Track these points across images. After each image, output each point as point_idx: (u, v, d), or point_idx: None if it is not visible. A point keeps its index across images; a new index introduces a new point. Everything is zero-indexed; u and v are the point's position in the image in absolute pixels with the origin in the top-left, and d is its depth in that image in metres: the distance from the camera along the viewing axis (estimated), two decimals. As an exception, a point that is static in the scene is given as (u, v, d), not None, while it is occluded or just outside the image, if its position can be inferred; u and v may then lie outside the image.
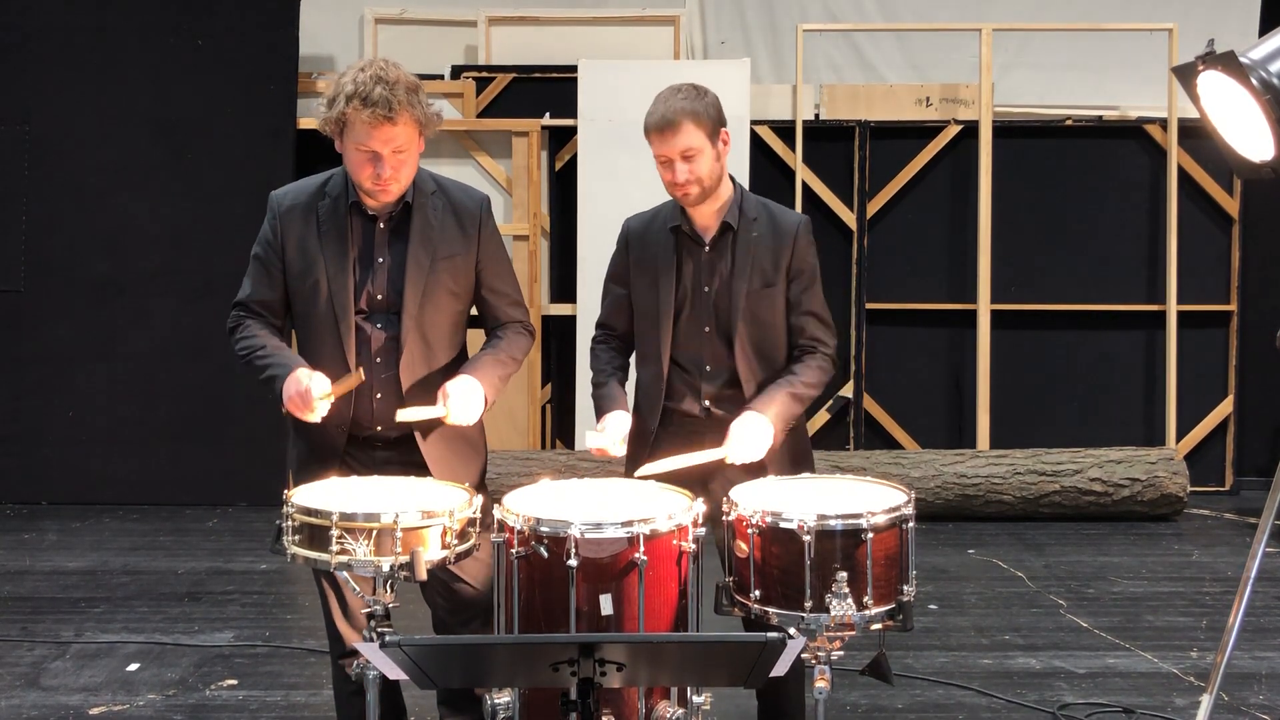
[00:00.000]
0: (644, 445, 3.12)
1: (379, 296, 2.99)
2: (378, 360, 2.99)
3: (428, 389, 3.00)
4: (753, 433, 2.93)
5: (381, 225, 3.01)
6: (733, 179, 3.14)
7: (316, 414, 2.85)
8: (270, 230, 3.05)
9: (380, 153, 2.85)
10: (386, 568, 2.57)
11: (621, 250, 3.22)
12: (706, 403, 3.10)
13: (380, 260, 3.00)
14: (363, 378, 2.91)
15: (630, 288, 3.19)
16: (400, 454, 3.02)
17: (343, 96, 2.83)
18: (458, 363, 3.09)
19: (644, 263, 3.15)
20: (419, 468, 3.00)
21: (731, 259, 3.07)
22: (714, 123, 3.01)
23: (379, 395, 3.00)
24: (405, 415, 2.93)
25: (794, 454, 3.14)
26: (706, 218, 3.10)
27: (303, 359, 2.98)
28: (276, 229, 3.04)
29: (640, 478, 2.92)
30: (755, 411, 2.97)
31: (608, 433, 2.99)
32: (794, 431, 3.14)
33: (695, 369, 3.11)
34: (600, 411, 3.12)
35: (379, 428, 3.01)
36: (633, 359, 3.26)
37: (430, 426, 2.99)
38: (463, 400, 2.91)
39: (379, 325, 3.00)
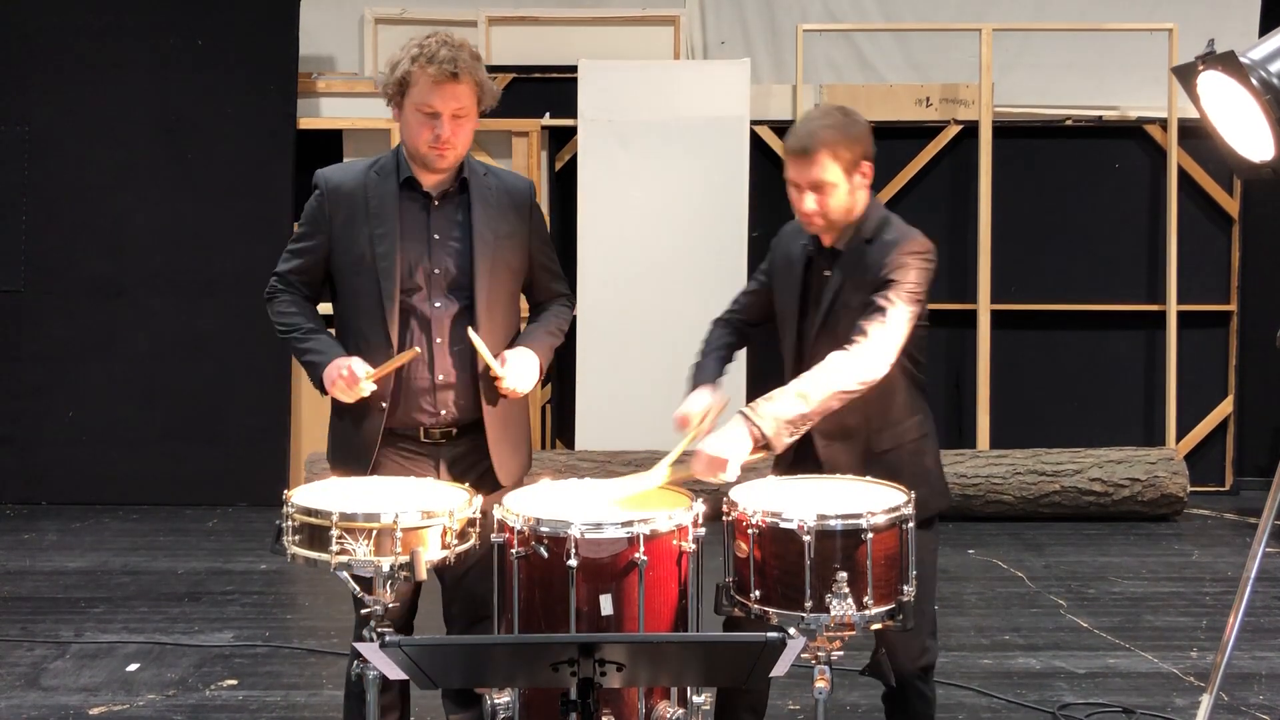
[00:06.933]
0: (781, 458, 3.02)
1: (436, 272, 2.97)
2: (437, 340, 2.97)
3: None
4: (716, 445, 2.72)
5: (437, 203, 3.01)
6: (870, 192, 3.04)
7: (360, 392, 2.86)
8: (318, 205, 3.03)
9: (441, 112, 2.89)
10: (386, 568, 2.57)
11: (771, 251, 3.21)
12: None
13: (436, 237, 2.99)
14: (419, 351, 2.91)
15: (772, 285, 3.16)
16: (470, 441, 3.01)
17: (408, 58, 2.93)
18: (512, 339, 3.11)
19: (783, 272, 3.13)
20: (482, 454, 3.00)
21: (843, 280, 3.01)
22: (855, 156, 2.87)
23: (440, 377, 2.97)
24: (476, 339, 2.91)
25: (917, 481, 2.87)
26: (832, 240, 3.03)
27: (341, 346, 2.98)
28: (324, 205, 3.02)
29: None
30: (736, 415, 2.77)
31: (686, 404, 2.96)
32: (921, 458, 3.06)
33: None
34: (691, 386, 3.06)
35: (442, 412, 2.98)
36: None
37: (492, 396, 2.99)
38: (520, 369, 2.97)
39: (437, 304, 2.98)
